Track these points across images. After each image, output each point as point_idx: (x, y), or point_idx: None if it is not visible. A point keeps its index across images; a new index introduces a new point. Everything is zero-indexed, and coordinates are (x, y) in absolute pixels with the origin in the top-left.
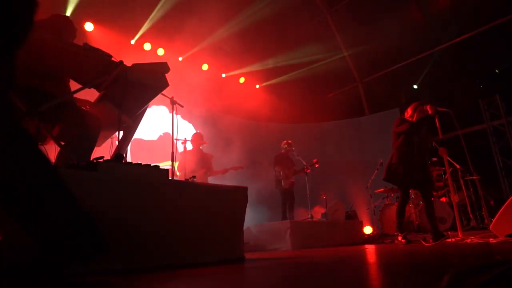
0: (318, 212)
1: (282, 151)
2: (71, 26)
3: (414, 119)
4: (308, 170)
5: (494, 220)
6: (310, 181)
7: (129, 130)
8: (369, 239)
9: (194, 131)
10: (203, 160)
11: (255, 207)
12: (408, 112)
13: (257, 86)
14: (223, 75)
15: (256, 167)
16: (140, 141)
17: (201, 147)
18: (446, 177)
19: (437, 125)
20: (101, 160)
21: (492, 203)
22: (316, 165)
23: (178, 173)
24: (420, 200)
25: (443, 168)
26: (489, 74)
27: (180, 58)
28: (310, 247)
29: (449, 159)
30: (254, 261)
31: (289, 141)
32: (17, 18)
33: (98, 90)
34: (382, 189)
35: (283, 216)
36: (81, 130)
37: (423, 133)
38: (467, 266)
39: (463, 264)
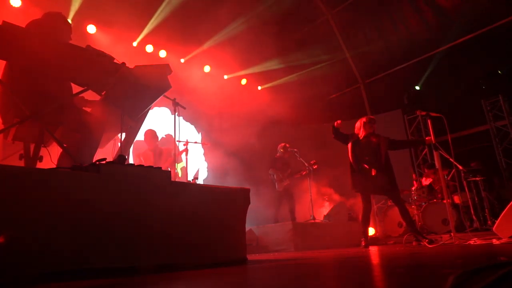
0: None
1: (278, 154)
2: (65, 22)
3: (360, 133)
4: (304, 172)
5: (497, 222)
6: (313, 183)
7: (132, 132)
8: (372, 240)
9: (196, 133)
10: (162, 155)
11: (257, 209)
12: (356, 125)
13: (259, 88)
14: (225, 77)
15: (259, 169)
16: (142, 142)
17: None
18: (448, 178)
19: (430, 130)
20: (104, 162)
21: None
22: (314, 166)
23: (180, 174)
24: (423, 201)
25: (448, 169)
26: (492, 74)
27: (182, 60)
28: (312, 248)
29: (453, 161)
30: (256, 262)
31: (287, 145)
32: None
33: (100, 93)
34: None
35: (275, 219)
36: (84, 132)
37: (373, 144)
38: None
39: (467, 265)
